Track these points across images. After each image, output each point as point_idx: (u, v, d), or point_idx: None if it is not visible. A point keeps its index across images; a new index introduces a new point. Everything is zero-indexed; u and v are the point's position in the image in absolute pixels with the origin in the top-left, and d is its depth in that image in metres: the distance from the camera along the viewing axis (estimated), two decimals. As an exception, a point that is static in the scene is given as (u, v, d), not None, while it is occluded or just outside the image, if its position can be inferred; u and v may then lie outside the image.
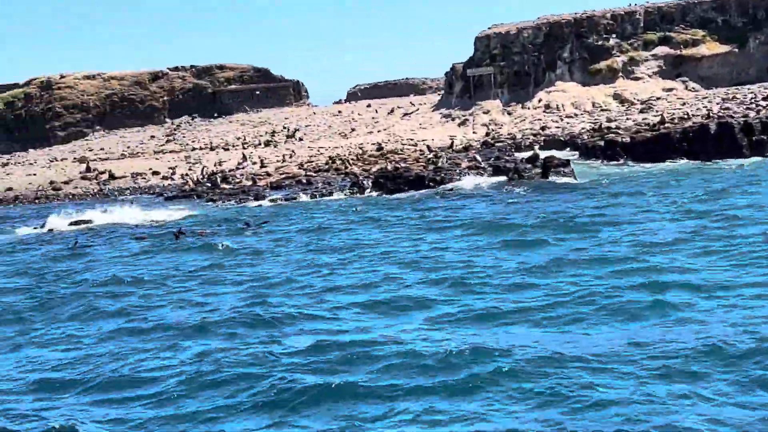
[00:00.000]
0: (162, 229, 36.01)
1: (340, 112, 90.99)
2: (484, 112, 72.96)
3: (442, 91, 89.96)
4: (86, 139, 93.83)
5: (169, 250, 29.04)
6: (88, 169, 68.11)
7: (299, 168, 60.17)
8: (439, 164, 51.97)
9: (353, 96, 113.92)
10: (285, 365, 13.78)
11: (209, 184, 56.38)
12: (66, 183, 65.21)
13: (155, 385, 13.55)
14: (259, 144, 75.02)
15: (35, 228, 41.22)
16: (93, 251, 30.63)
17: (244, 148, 72.68)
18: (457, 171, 48.02)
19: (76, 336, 17.25)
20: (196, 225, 36.56)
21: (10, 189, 64.86)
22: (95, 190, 62.69)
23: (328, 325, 16.35)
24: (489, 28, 79.64)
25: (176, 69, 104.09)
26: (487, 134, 66.88)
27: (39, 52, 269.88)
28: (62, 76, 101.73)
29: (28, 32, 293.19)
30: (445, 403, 11.67)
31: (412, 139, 67.67)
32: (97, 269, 25.86)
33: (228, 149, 74.20)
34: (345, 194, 46.17)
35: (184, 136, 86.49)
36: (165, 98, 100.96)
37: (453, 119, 74.31)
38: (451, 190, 42.63)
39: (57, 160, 78.19)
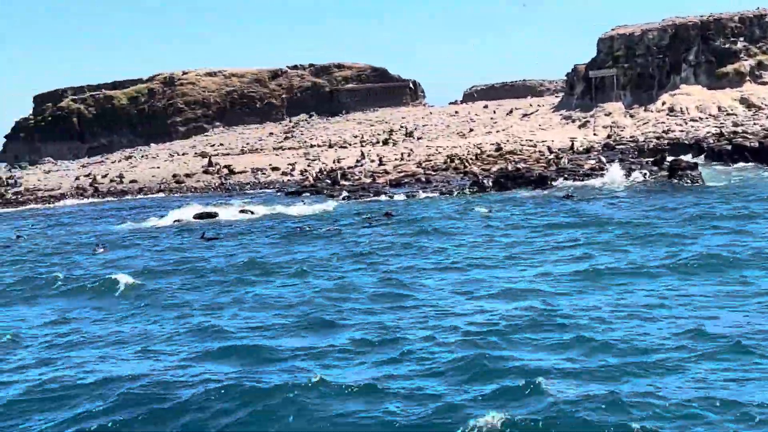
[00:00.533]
0: (286, 222, 36.28)
1: (456, 112, 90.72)
2: (605, 114, 71.80)
3: (561, 93, 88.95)
4: (206, 135, 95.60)
5: (297, 242, 29.21)
6: (209, 164, 69.27)
7: (417, 166, 60.16)
8: (561, 165, 51.34)
9: (469, 97, 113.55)
10: (453, 343, 13.86)
11: (329, 181, 56.72)
12: (188, 176, 66.43)
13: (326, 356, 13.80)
14: (377, 142, 75.27)
15: (162, 218, 41.95)
16: (220, 242, 30.95)
17: (362, 146, 72.98)
18: (581, 172, 47.30)
19: (229, 311, 17.84)
20: (318, 219, 36.75)
21: (134, 181, 66.39)
22: (216, 184, 63.70)
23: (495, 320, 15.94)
24: (612, 30, 78.36)
25: (295, 67, 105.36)
26: (609, 136, 65.80)
27: (162, 49, 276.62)
28: (184, 73, 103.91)
29: (153, 29, 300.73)
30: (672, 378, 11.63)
31: (531, 140, 67.01)
32: (228, 258, 26.14)
33: (346, 147, 74.60)
34: (466, 193, 45.87)
35: (302, 134, 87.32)
36: (284, 96, 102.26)
37: (573, 121, 73.34)
38: (577, 190, 41.94)
39: (178, 155, 79.74)
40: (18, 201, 62.57)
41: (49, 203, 61.19)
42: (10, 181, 71.40)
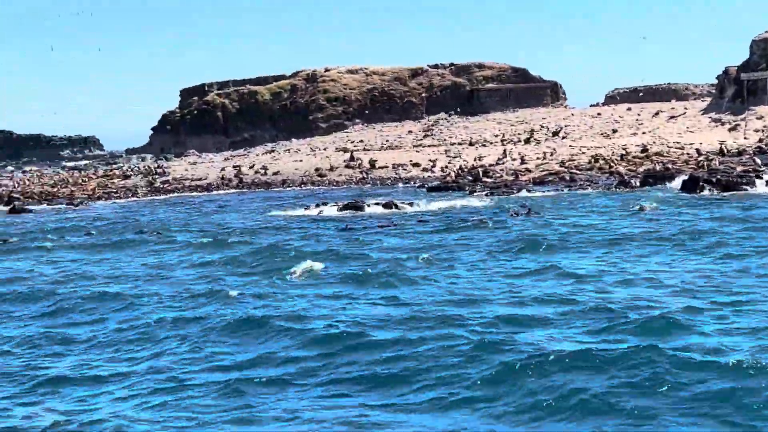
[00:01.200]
0: (431, 216, 36.24)
1: (599, 114, 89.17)
2: (757, 118, 69.48)
3: (707, 98, 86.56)
4: (346, 132, 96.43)
5: (448, 232, 29.19)
6: (351, 158, 69.90)
7: (560, 166, 59.44)
8: (712, 167, 49.90)
9: (611, 100, 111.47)
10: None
11: (470, 178, 56.62)
12: (330, 170, 67.15)
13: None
14: (519, 141, 74.65)
15: (307, 209, 42.37)
16: (371, 233, 30.94)
17: (503, 145, 72.52)
18: (734, 174, 45.82)
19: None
20: (465, 213, 36.60)
21: (277, 173, 67.45)
22: (358, 178, 64.23)
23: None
24: (767, 32, 75.82)
25: (435, 66, 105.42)
26: (761, 140, 63.64)
27: (306, 45, 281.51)
28: (327, 70, 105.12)
29: (297, 25, 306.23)
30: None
31: (678, 143, 65.41)
32: (386, 247, 26.17)
33: (486, 145, 74.25)
34: (612, 191, 45.12)
35: (441, 132, 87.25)
36: (423, 95, 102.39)
37: (723, 124, 71.24)
38: (733, 193, 40.60)
39: (319, 150, 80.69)
40: (166, 189, 64.33)
41: (195, 192, 62.73)
42: (158, 170, 73.46)
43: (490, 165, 62.33)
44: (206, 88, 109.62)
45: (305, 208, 42.72)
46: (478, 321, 14.61)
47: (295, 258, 23.05)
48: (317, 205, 42.90)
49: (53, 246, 30.91)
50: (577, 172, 56.07)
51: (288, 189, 61.07)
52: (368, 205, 41.78)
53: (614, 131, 75.55)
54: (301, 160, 72.64)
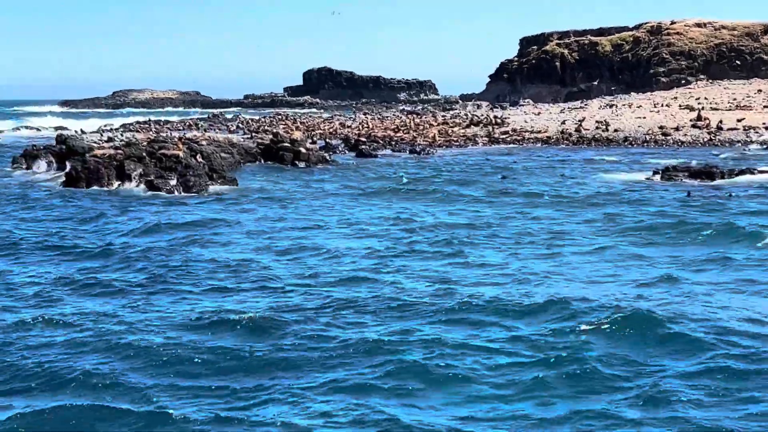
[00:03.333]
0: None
1: None
2: None
3: None
4: (688, 88, 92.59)
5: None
6: (698, 118, 66.86)
7: None
8: None
9: None
10: None
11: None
12: (676, 129, 64.49)
13: None
14: None
15: (649, 171, 41.01)
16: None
17: None
18: None
19: None
20: None
21: (618, 130, 65.63)
22: (705, 140, 61.37)
23: None
24: None
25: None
26: None
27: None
28: (673, 22, 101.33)
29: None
30: None
31: None
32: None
33: None
34: None
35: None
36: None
37: None
38: None
39: (661, 106, 77.84)
40: (505, 140, 64.36)
41: (535, 144, 62.46)
42: (497, 120, 73.55)
43: None
44: (546, 38, 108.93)
45: (654, 173, 41.27)
46: None
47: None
48: (665, 171, 41.11)
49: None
50: None
51: (630, 147, 59.26)
52: (722, 173, 39.54)
53: None
54: (643, 117, 70.31)
